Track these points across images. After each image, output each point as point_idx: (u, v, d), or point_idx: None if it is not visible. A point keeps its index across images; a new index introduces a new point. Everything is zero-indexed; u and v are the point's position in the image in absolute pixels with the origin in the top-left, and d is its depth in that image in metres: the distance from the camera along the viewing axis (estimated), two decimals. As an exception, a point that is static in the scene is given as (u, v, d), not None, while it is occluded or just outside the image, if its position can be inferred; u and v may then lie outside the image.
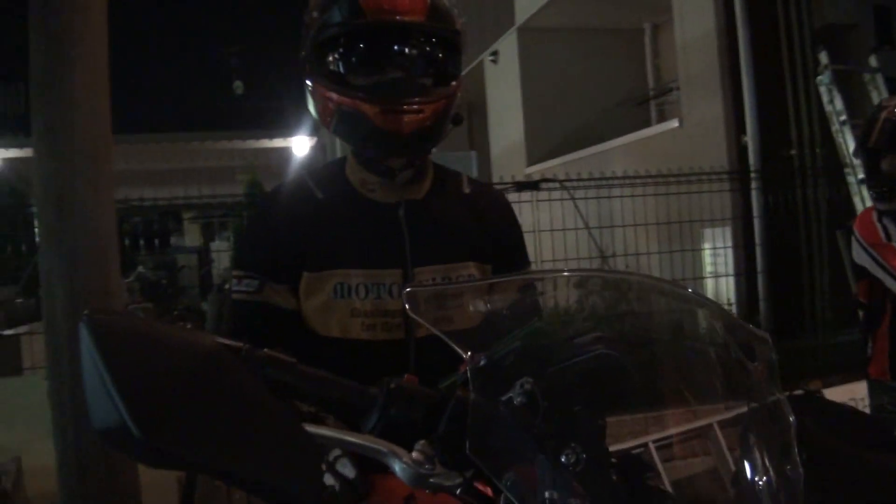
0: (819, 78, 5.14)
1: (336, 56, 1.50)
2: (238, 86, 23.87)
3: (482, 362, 1.01)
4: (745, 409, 1.05)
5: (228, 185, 7.28)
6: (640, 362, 1.17)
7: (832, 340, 5.44)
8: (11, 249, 6.71)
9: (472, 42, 10.67)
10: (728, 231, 5.91)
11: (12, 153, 10.20)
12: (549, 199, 5.32)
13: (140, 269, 6.83)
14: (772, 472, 1.00)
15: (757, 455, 1.02)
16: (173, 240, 17.28)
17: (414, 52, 1.49)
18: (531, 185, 5.02)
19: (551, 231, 5.12)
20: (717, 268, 5.95)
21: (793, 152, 5.78)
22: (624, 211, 5.67)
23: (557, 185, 5.11)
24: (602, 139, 7.93)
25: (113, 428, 0.67)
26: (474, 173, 7.39)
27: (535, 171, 8.28)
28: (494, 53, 9.85)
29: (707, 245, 6.05)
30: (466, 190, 1.65)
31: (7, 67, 13.36)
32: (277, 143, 10.01)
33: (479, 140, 11.48)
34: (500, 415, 0.94)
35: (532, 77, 9.13)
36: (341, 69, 1.50)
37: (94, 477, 2.79)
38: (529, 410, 0.93)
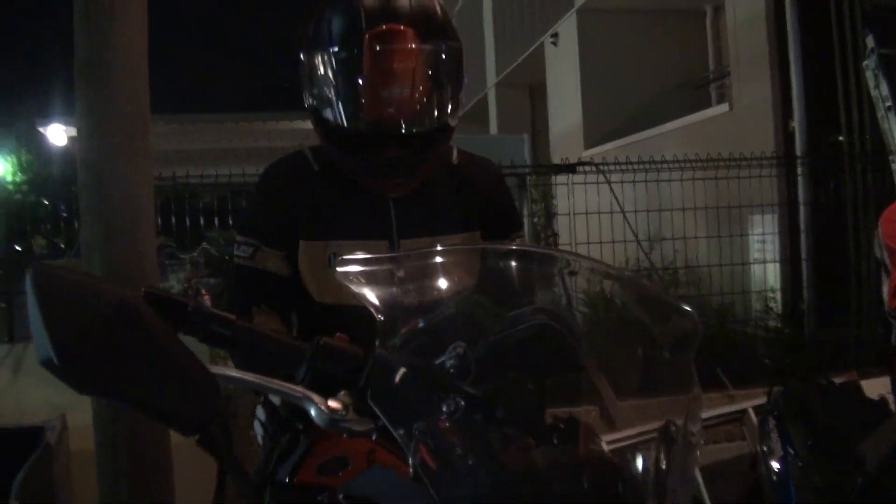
0: (865, 63, 5.04)
1: (323, 120, 1.61)
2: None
3: (420, 325, 1.16)
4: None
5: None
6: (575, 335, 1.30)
7: (875, 331, 5.37)
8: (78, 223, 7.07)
9: (532, 24, 10.68)
10: (775, 217, 5.85)
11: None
12: (584, 183, 5.35)
13: (204, 244, 7.11)
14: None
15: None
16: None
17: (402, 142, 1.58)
18: (568, 168, 5.07)
19: (585, 214, 5.15)
20: (765, 255, 5.90)
21: (841, 138, 5.67)
22: (672, 195, 5.67)
23: (599, 168, 5.14)
24: (661, 123, 7.90)
25: (45, 359, 0.81)
26: (526, 157, 7.45)
27: (593, 154, 8.29)
28: (554, 35, 9.85)
29: (753, 231, 6.00)
30: (455, 162, 1.74)
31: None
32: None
33: (540, 123, 11.51)
34: (406, 370, 1.07)
35: (591, 59, 9.11)
36: (335, 137, 1.62)
37: (125, 436, 3.04)
38: (460, 373, 1.05)
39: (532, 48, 10.74)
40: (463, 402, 1.01)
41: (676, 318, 1.23)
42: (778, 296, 5.68)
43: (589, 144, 9.20)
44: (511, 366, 1.15)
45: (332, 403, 1.01)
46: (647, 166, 5.53)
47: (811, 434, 2.33)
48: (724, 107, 6.77)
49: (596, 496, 0.99)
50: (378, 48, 1.49)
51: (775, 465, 2.45)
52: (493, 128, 12.57)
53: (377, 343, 1.10)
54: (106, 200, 2.99)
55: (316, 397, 1.02)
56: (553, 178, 5.19)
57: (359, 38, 1.49)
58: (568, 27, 9.50)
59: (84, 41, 2.99)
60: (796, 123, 5.76)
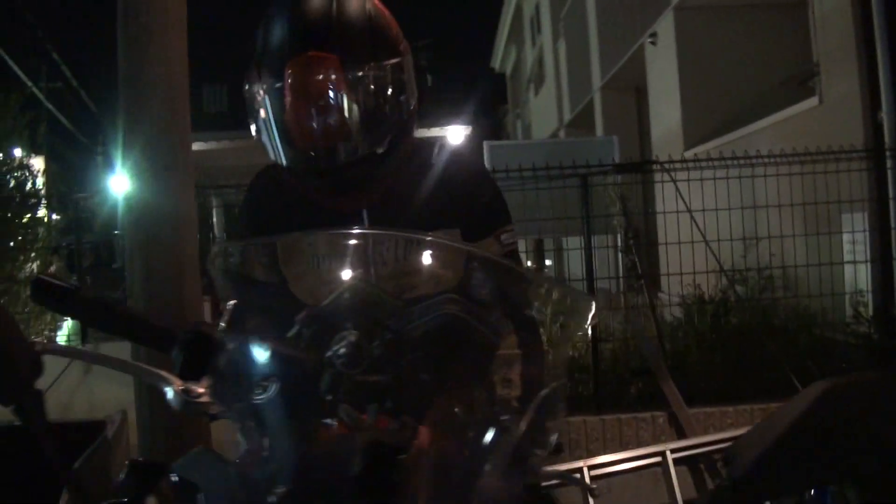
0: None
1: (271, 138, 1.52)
2: (427, 78, 24.78)
3: (311, 312, 1.25)
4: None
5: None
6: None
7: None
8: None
9: (633, 25, 10.52)
10: (865, 214, 5.55)
11: (204, 145, 11.22)
12: (661, 181, 5.26)
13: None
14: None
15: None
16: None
17: (349, 154, 1.50)
18: (634, 167, 5.02)
19: (677, 212, 5.07)
20: (854, 254, 5.60)
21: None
22: (756, 192, 5.49)
23: (663, 166, 5.05)
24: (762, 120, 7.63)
25: None
26: (616, 159, 7.35)
27: (694, 153, 8.10)
28: (653, 35, 9.67)
29: (845, 229, 5.71)
30: (434, 160, 1.72)
31: (210, 70, 14.87)
32: (434, 131, 10.38)
33: (648, 125, 11.31)
34: (237, 352, 1.16)
35: (689, 57, 8.89)
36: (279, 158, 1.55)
37: (163, 434, 3.26)
38: (352, 359, 1.08)
39: (633, 49, 10.57)
40: (275, 386, 1.06)
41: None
42: (868, 298, 5.38)
43: (689, 144, 8.98)
44: (414, 355, 1.17)
45: (194, 387, 1.08)
46: (728, 163, 5.38)
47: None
48: (814, 100, 6.48)
49: (365, 482, 0.99)
50: (293, 79, 1.42)
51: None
52: (599, 131, 12.42)
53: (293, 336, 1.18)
54: (148, 208, 3.23)
55: (172, 378, 1.09)
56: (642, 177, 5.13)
57: (275, 69, 1.44)
58: (665, 26, 9.31)
59: (125, 58, 3.25)
60: (885, 114, 5.45)
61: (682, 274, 5.06)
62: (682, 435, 4.20)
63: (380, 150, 1.51)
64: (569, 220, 5.61)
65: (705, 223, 5.31)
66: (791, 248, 5.46)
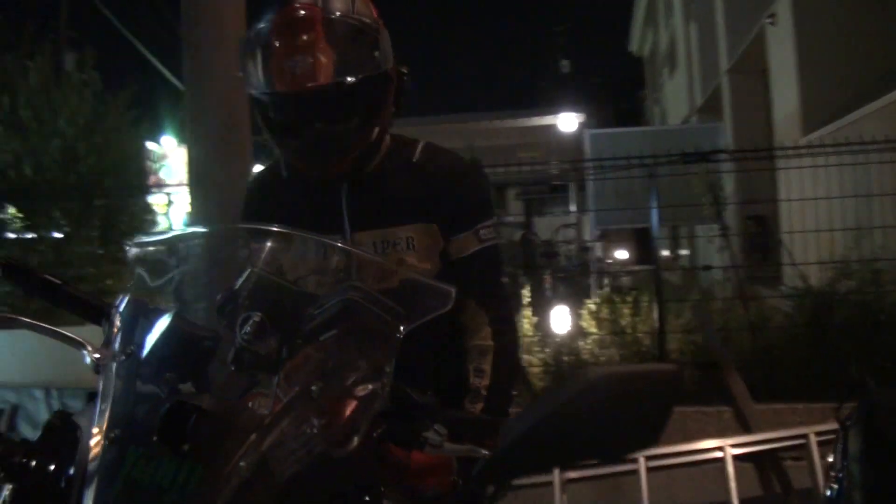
0: None
1: (258, 109, 1.75)
2: (564, 64, 24.52)
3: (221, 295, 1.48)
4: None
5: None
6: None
7: None
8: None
9: (754, 4, 10.12)
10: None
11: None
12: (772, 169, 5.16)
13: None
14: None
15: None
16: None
17: (325, 112, 1.67)
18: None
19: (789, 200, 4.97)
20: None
21: None
22: (858, 179, 5.29)
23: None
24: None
25: None
26: (722, 145, 7.20)
27: (814, 137, 7.78)
28: (772, 16, 9.29)
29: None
30: (416, 158, 1.88)
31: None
32: (547, 120, 10.38)
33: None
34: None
35: (808, 37, 8.50)
36: (266, 123, 1.77)
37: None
38: (257, 337, 1.24)
39: (755, 30, 10.19)
40: (125, 355, 1.23)
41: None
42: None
43: (808, 129, 8.60)
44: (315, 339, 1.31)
45: (104, 352, 1.27)
46: (831, 149, 5.19)
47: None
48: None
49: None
50: (279, 22, 1.65)
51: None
52: (727, 117, 12.00)
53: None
54: (206, 194, 3.56)
55: (88, 345, 1.31)
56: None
57: (267, 23, 1.66)
58: (783, 4, 8.94)
59: (188, 65, 3.59)
60: None
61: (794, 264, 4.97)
62: (747, 431, 4.15)
63: (346, 81, 1.66)
64: (671, 209, 5.63)
65: (816, 212, 5.18)
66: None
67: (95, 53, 6.84)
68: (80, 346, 1.33)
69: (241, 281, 1.47)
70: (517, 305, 5.53)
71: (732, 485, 3.74)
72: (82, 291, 1.50)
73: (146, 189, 6.36)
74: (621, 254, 13.94)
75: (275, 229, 1.61)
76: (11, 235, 5.68)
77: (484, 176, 2.08)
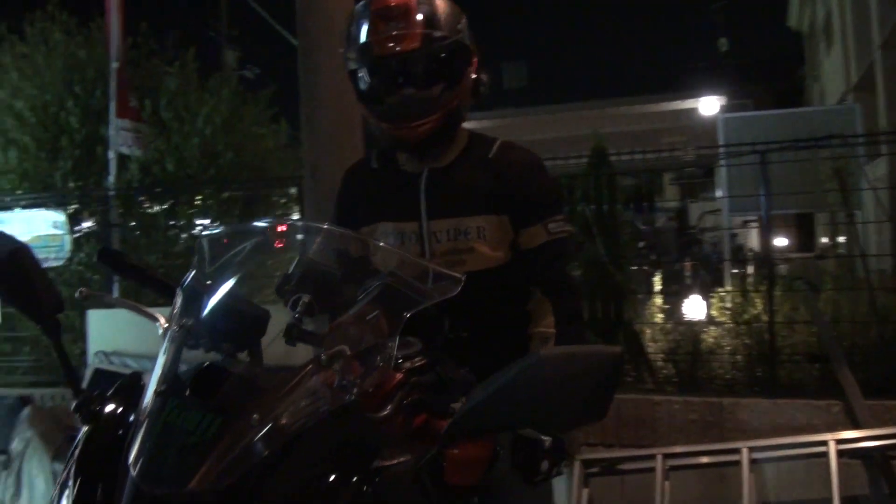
0: None
1: (357, 82, 2.00)
2: (722, 42, 23.62)
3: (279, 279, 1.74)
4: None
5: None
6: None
7: None
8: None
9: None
10: None
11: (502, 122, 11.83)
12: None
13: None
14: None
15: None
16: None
17: (412, 76, 1.91)
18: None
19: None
20: None
21: None
22: None
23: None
24: None
25: None
26: (857, 128, 6.88)
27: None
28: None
29: None
30: (491, 154, 2.08)
31: (509, 48, 15.52)
32: (689, 104, 10.16)
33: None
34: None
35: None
36: (362, 91, 2.00)
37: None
38: (304, 314, 1.49)
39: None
40: (179, 327, 1.48)
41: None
42: None
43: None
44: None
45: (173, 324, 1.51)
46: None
47: None
48: None
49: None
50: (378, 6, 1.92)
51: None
52: (881, 96, 11.30)
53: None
54: (318, 186, 3.82)
55: (161, 318, 1.59)
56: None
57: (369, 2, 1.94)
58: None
59: (304, 71, 3.86)
60: None
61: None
62: (856, 427, 4.03)
63: (436, 90, 1.94)
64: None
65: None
66: None
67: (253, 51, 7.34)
68: (154, 319, 1.58)
69: (293, 267, 1.71)
70: (648, 292, 5.57)
71: (835, 480, 3.63)
72: (160, 275, 1.76)
73: (282, 181, 6.75)
74: (780, 241, 13.44)
75: (322, 226, 1.84)
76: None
77: (549, 173, 2.24)
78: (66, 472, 1.35)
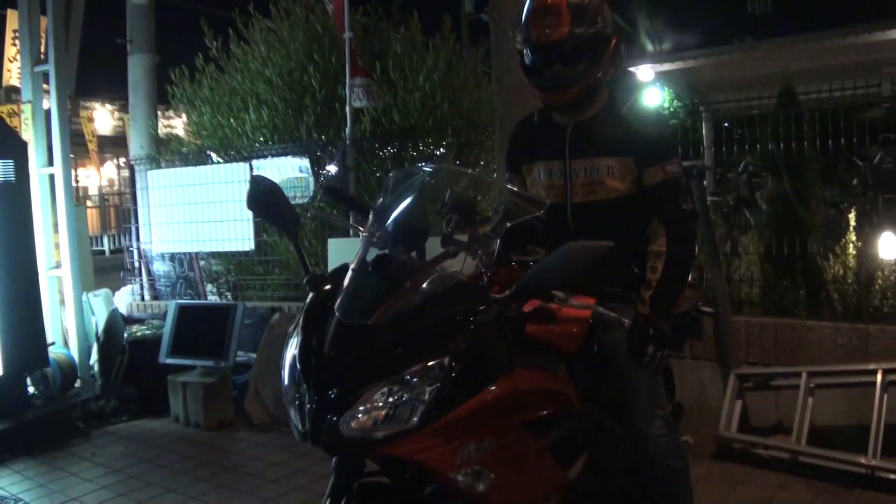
0: None
1: (522, 59, 2.67)
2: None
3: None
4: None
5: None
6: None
7: None
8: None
9: None
10: None
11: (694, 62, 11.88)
12: None
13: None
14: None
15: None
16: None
17: (560, 57, 2.54)
18: None
19: None
20: None
21: None
22: None
23: None
24: None
25: None
26: None
27: None
28: None
29: None
30: (624, 111, 2.74)
31: None
32: None
33: None
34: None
35: None
36: (525, 66, 2.67)
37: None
38: (457, 228, 2.44)
39: None
40: (369, 234, 2.34)
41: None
42: None
43: None
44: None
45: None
46: None
47: None
48: None
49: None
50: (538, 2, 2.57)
51: None
52: None
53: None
54: (505, 135, 4.56)
55: (361, 228, 2.45)
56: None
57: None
58: None
59: (495, 39, 4.61)
60: None
61: None
62: None
63: (580, 67, 2.56)
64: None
65: None
66: None
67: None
68: (357, 229, 2.43)
69: (447, 196, 2.49)
70: (843, 231, 5.76)
71: (876, 407, 3.97)
72: (363, 201, 2.61)
73: (487, 127, 7.55)
74: None
75: (466, 170, 2.61)
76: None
77: (669, 125, 2.87)
78: (294, 326, 2.19)
